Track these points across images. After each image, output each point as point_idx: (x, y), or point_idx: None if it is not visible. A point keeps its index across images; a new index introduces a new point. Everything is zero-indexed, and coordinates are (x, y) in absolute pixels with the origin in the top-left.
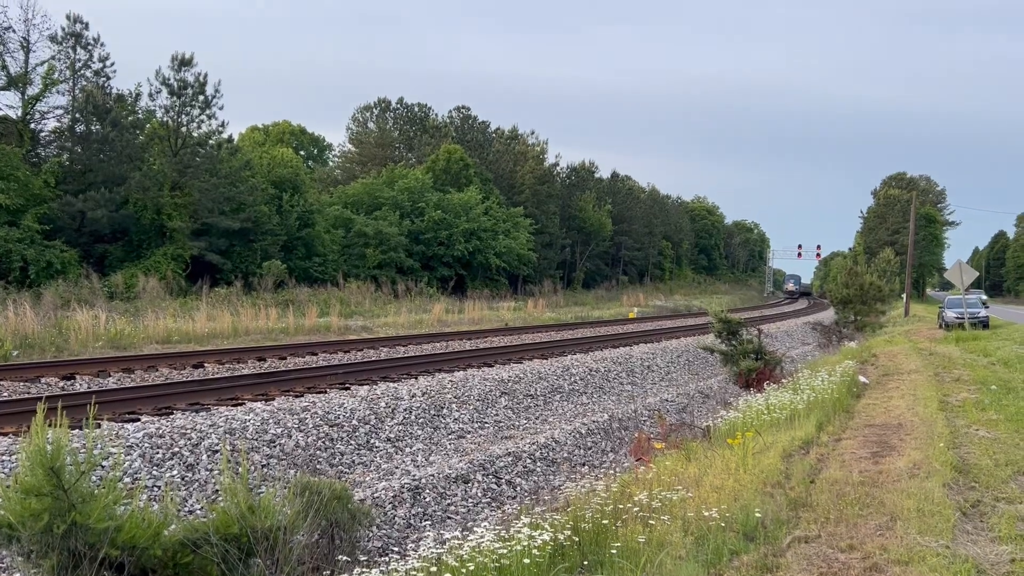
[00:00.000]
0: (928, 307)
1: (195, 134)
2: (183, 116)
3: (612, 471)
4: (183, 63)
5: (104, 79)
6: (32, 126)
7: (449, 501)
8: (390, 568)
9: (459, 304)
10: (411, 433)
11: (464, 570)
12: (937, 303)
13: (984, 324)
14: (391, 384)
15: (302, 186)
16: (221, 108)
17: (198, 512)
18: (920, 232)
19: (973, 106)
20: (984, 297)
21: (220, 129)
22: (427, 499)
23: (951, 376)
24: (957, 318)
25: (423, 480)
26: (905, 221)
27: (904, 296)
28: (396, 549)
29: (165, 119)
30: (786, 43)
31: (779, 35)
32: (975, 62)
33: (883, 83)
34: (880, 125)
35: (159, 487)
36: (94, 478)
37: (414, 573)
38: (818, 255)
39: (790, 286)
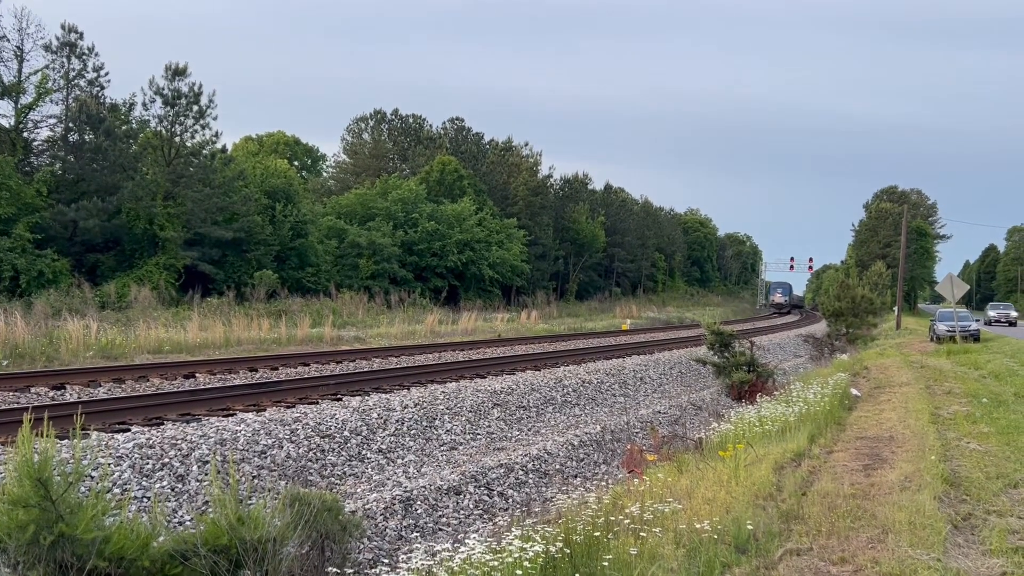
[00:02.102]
0: (920, 320)
1: (189, 144)
2: (177, 126)
3: (604, 483)
4: (177, 73)
5: (98, 88)
6: (25, 135)
7: (440, 513)
8: None
9: (452, 315)
10: (403, 444)
11: None
12: (928, 316)
13: (975, 337)
14: (383, 395)
15: (295, 196)
16: (215, 118)
17: (187, 523)
18: (911, 245)
19: (964, 121)
20: (1014, 313)
21: (214, 139)
22: (418, 511)
23: (942, 389)
24: (948, 331)
25: (414, 492)
26: (897, 234)
27: (896, 309)
28: (386, 561)
29: (159, 129)
30: (780, 58)
31: (773, 49)
32: (966, 77)
33: (874, 97)
34: (872, 139)
35: (148, 498)
36: (82, 489)
37: None
38: (810, 268)
39: (777, 297)
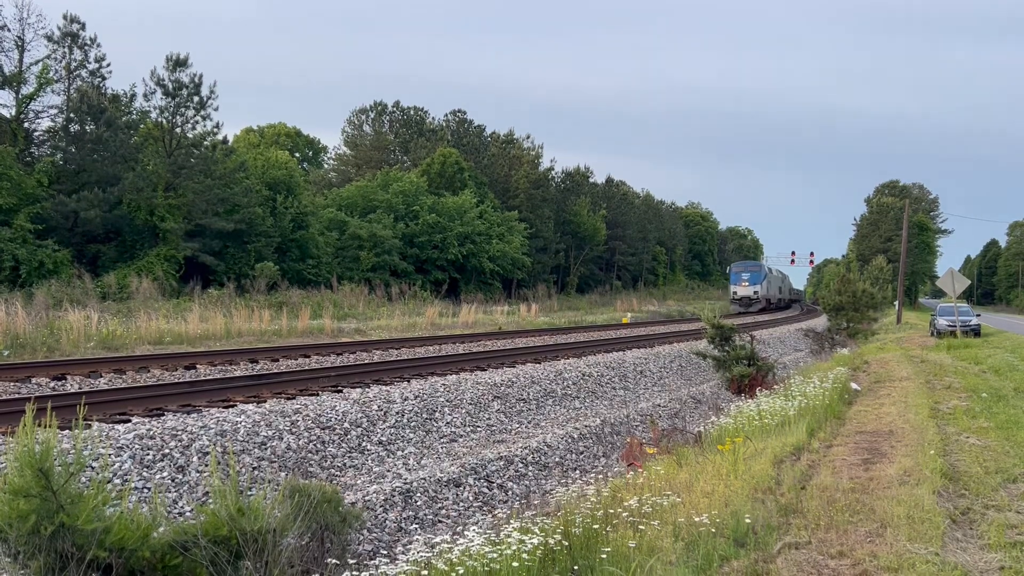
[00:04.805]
0: (920, 315)
1: (190, 135)
2: (178, 117)
3: (603, 476)
4: (178, 64)
5: (99, 79)
6: (26, 125)
7: (440, 505)
8: (379, 571)
9: (453, 308)
10: (403, 436)
11: (453, 574)
12: (929, 311)
13: (975, 332)
14: (383, 387)
15: (296, 188)
16: (216, 109)
17: (188, 514)
18: (912, 240)
19: (966, 115)
20: None
21: (215, 130)
22: (418, 503)
23: (942, 384)
24: (949, 326)
25: (414, 484)
26: (898, 229)
27: (896, 303)
28: (386, 552)
29: (160, 120)
30: (781, 51)
31: (774, 43)
32: (968, 71)
33: (877, 91)
34: (874, 133)
35: (149, 489)
36: (83, 479)
37: None
38: (811, 262)
39: (743, 287)
